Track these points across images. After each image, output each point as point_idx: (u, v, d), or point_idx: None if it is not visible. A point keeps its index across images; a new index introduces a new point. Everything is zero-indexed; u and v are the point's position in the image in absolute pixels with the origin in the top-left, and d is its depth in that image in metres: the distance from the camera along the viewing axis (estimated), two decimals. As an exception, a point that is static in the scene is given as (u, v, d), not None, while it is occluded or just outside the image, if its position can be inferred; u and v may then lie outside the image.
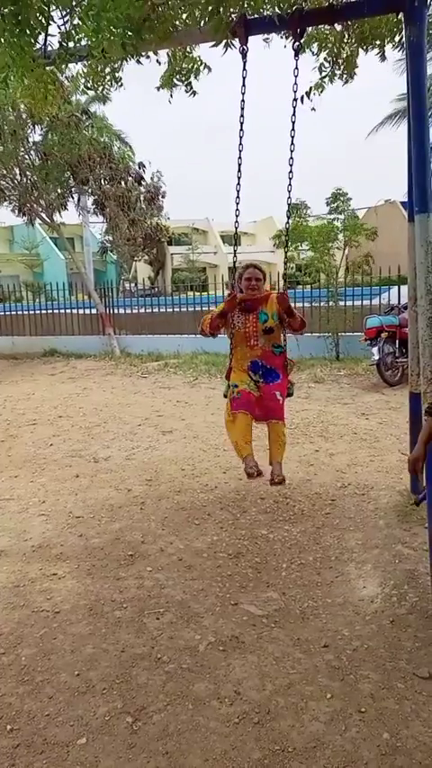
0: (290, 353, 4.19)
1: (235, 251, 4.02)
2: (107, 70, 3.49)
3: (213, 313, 4.08)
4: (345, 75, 4.01)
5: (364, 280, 13.71)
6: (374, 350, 8.75)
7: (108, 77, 3.54)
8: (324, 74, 3.95)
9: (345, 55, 3.92)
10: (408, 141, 3.62)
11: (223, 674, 2.68)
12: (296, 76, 3.47)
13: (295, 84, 3.47)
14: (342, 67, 3.95)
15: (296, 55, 3.45)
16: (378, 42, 3.83)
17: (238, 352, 4.09)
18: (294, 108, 3.55)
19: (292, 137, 3.65)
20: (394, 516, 4.25)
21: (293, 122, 3.61)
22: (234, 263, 4.13)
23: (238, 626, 3.04)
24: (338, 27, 3.84)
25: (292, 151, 3.69)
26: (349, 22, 3.74)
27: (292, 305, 3.98)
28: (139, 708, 2.50)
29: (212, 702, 2.51)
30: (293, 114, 3.57)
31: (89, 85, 3.65)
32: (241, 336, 4.02)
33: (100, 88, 3.62)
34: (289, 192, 3.82)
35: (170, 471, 5.48)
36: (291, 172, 3.75)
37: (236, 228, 3.90)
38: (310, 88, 3.77)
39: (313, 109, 3.83)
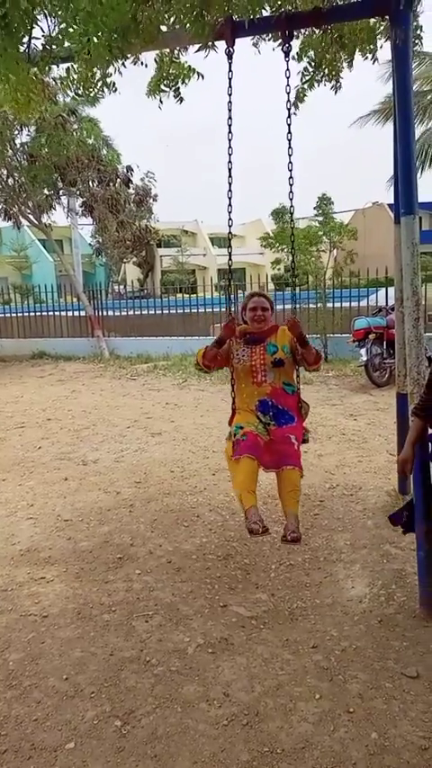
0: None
1: (230, 253, 3.61)
2: (98, 76, 3.48)
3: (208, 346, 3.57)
4: (328, 81, 4.01)
5: (352, 281, 13.77)
6: (362, 351, 8.80)
7: (99, 83, 3.53)
8: (306, 79, 3.96)
9: (326, 60, 3.93)
10: (394, 144, 3.65)
11: (212, 677, 2.68)
12: (288, 78, 3.46)
13: (287, 86, 3.45)
14: (323, 73, 3.96)
15: (286, 56, 3.45)
16: (351, 49, 3.85)
17: (243, 390, 3.51)
18: (289, 110, 3.49)
19: (289, 140, 3.46)
20: (382, 516, 4.26)
21: (289, 125, 3.48)
22: (230, 266, 3.67)
23: (227, 628, 3.04)
24: (318, 31, 3.85)
25: (290, 155, 3.48)
26: (329, 28, 3.75)
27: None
28: (128, 711, 2.50)
29: (201, 705, 2.51)
30: (288, 117, 3.48)
31: (80, 92, 3.63)
32: (246, 371, 3.47)
33: (91, 93, 3.60)
34: (291, 198, 3.59)
35: (159, 473, 5.47)
36: (291, 177, 3.53)
37: (229, 228, 3.55)
38: (296, 95, 3.77)
39: (295, 113, 3.82)
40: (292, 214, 3.77)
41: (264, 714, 2.43)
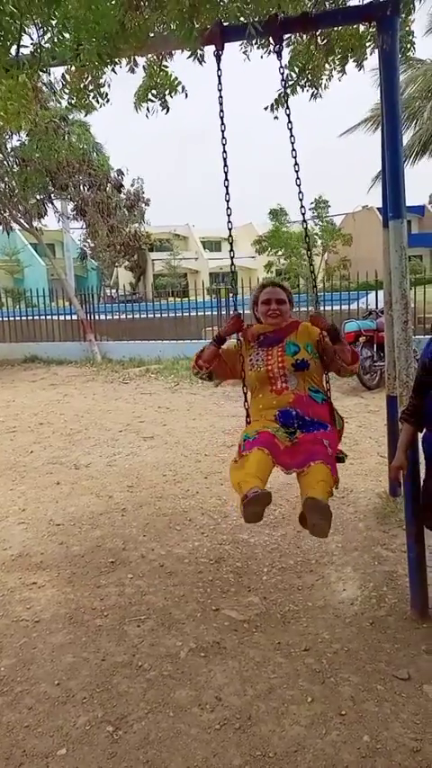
0: None
1: (231, 256, 3.26)
2: (90, 87, 3.48)
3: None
4: (311, 87, 4.04)
5: (343, 285, 13.84)
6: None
7: (93, 93, 3.53)
8: (290, 83, 3.98)
9: (309, 67, 3.95)
10: (381, 148, 3.68)
11: (204, 681, 2.68)
12: (284, 78, 3.44)
13: (283, 80, 3.43)
14: (306, 78, 3.98)
15: (279, 57, 3.46)
16: (341, 55, 3.88)
17: (259, 401, 2.89)
18: (288, 113, 3.43)
19: (293, 143, 3.17)
20: (374, 519, 4.28)
21: (290, 129, 3.26)
22: (232, 269, 3.33)
23: (220, 631, 3.04)
24: (305, 38, 3.88)
25: (295, 159, 3.18)
26: (317, 34, 3.78)
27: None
28: (120, 716, 2.49)
29: (193, 709, 2.51)
30: (288, 120, 3.35)
31: (73, 102, 3.63)
32: (262, 379, 2.85)
33: (85, 102, 3.60)
34: (300, 199, 3.27)
35: (151, 477, 5.46)
36: (298, 178, 3.23)
37: (229, 230, 3.20)
38: (276, 100, 3.79)
39: (276, 117, 3.80)
40: (303, 215, 3.40)
41: (256, 718, 2.44)
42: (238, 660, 2.81)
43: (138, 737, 2.37)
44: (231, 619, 3.15)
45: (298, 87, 4.01)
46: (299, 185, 3.24)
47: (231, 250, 3.26)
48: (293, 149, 3.20)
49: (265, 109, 3.81)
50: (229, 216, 3.20)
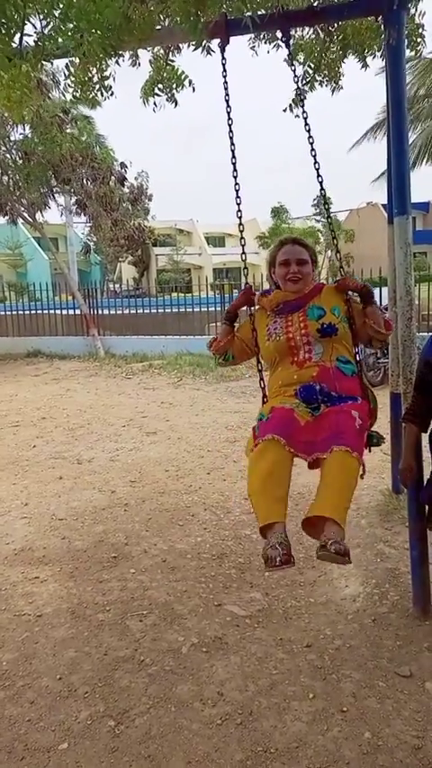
0: None
1: (242, 244, 2.93)
2: (95, 79, 3.46)
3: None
4: (329, 83, 4.01)
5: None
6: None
7: (97, 85, 3.51)
8: (307, 80, 3.96)
9: (326, 62, 3.93)
10: (387, 144, 3.65)
11: (206, 676, 2.68)
12: (293, 69, 3.36)
13: (294, 72, 3.36)
14: (324, 75, 3.96)
15: (287, 46, 3.41)
16: (359, 49, 3.85)
17: (278, 375, 2.50)
18: (303, 108, 3.24)
19: (311, 142, 2.97)
20: (376, 515, 4.28)
21: (308, 130, 3.03)
22: (243, 262, 3.08)
23: (222, 627, 3.05)
24: (321, 33, 3.85)
25: (313, 153, 2.96)
26: (331, 28, 3.75)
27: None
28: (122, 711, 2.49)
29: (195, 704, 2.51)
30: (303, 112, 3.11)
31: (77, 95, 3.61)
32: (282, 349, 2.46)
33: (89, 96, 3.58)
34: (323, 195, 3.08)
35: (154, 472, 5.46)
36: (319, 175, 2.98)
37: (239, 216, 2.90)
38: (293, 100, 3.76)
39: (298, 116, 3.76)
40: (328, 210, 3.29)
41: (257, 713, 2.44)
42: (240, 656, 2.81)
43: (139, 732, 2.37)
44: (233, 614, 3.15)
45: (315, 83, 3.98)
46: (320, 182, 3.00)
47: (242, 238, 2.96)
48: (312, 147, 2.96)
49: (284, 110, 3.80)
50: (238, 204, 2.93)
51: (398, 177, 3.24)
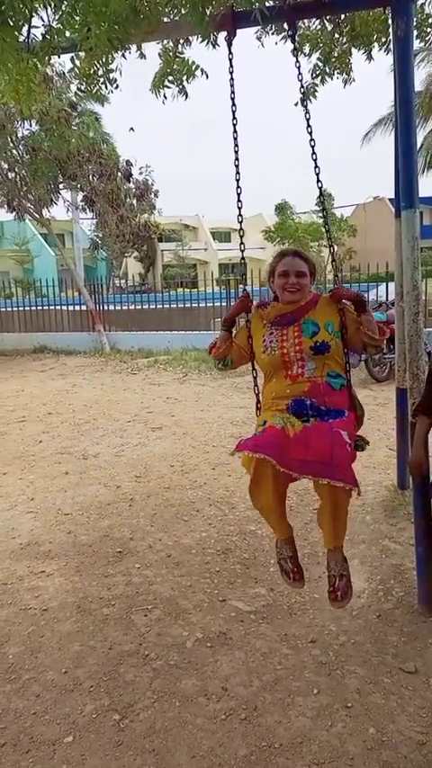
0: None
1: (242, 244, 3.01)
2: (100, 72, 3.45)
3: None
4: (339, 75, 3.98)
5: (353, 276, 13.74)
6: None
7: (102, 78, 3.50)
8: (317, 73, 3.93)
9: (336, 54, 3.90)
10: (395, 137, 3.63)
11: (210, 671, 2.68)
12: (297, 65, 3.34)
13: (299, 73, 3.34)
14: (334, 67, 3.93)
15: (293, 41, 3.39)
16: (367, 40, 3.82)
17: (272, 387, 2.60)
18: (305, 103, 3.22)
19: (311, 135, 2.89)
20: (381, 512, 4.26)
21: (307, 116, 3.04)
22: (242, 258, 3.12)
23: (226, 622, 3.05)
24: (329, 25, 3.82)
25: (313, 147, 2.91)
26: (339, 20, 3.72)
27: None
28: (127, 705, 2.50)
29: (199, 699, 2.51)
30: (306, 107, 3.18)
31: (83, 88, 3.60)
32: (277, 363, 2.56)
33: (94, 89, 3.57)
34: (320, 191, 2.98)
35: (159, 468, 5.47)
36: (316, 166, 2.94)
37: (239, 210, 2.99)
38: (304, 93, 3.74)
39: (307, 112, 3.71)
40: (324, 208, 3.18)
41: (262, 709, 2.44)
42: (245, 651, 2.81)
43: (144, 726, 2.38)
44: (238, 609, 3.16)
45: (326, 76, 3.95)
46: (317, 173, 2.95)
47: (242, 243, 3.02)
48: (311, 138, 2.93)
49: (295, 105, 3.76)
50: (239, 195, 2.97)
51: (405, 170, 3.22)
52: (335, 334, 2.56)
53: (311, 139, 2.91)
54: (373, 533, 3.95)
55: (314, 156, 2.91)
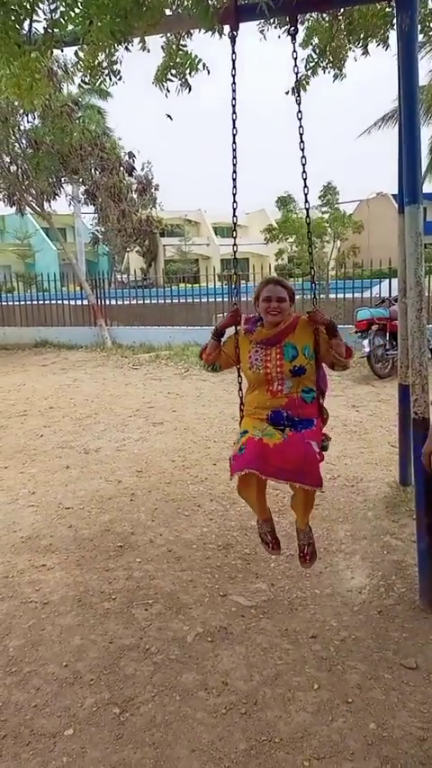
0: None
1: (235, 241, 3.29)
2: (105, 64, 3.43)
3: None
4: (332, 69, 3.96)
5: (356, 272, 13.71)
6: (365, 342, 8.77)
7: (106, 70, 3.48)
8: (310, 65, 3.90)
9: (331, 48, 3.87)
10: (399, 132, 3.60)
11: (211, 665, 2.69)
12: (295, 59, 3.35)
13: (295, 65, 3.35)
14: (328, 60, 3.90)
15: (293, 40, 3.38)
16: (364, 35, 3.79)
17: (255, 397, 3.01)
18: (297, 93, 3.35)
19: (301, 133, 3.11)
20: (383, 508, 4.26)
21: (299, 112, 3.15)
22: (234, 254, 3.36)
23: (227, 617, 3.05)
24: (327, 17, 3.80)
25: (302, 145, 3.10)
26: (338, 13, 3.70)
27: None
28: (127, 699, 2.51)
29: (200, 693, 2.52)
30: (298, 104, 3.33)
31: (86, 80, 3.58)
32: (261, 380, 2.95)
33: (98, 82, 3.55)
34: (304, 179, 3.14)
35: (160, 463, 5.47)
36: (304, 171, 3.12)
37: (234, 210, 3.16)
38: (296, 83, 3.72)
39: (298, 101, 3.71)
40: (308, 209, 3.32)
41: (262, 703, 2.44)
42: (245, 646, 2.81)
43: (144, 720, 2.38)
44: (239, 604, 3.16)
45: (319, 69, 3.93)
46: (304, 164, 3.10)
47: (234, 243, 3.26)
48: (301, 139, 3.10)
49: (286, 93, 3.75)
50: (234, 194, 3.17)
51: (409, 165, 3.20)
52: (310, 357, 2.94)
53: (300, 126, 3.08)
54: (374, 529, 3.95)
55: (302, 145, 3.08)
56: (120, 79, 3.48)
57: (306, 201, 3.27)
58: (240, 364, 3.07)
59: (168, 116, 3.41)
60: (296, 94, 3.32)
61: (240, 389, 3.16)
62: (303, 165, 3.09)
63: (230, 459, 2.85)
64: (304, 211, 3.48)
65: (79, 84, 3.66)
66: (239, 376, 3.12)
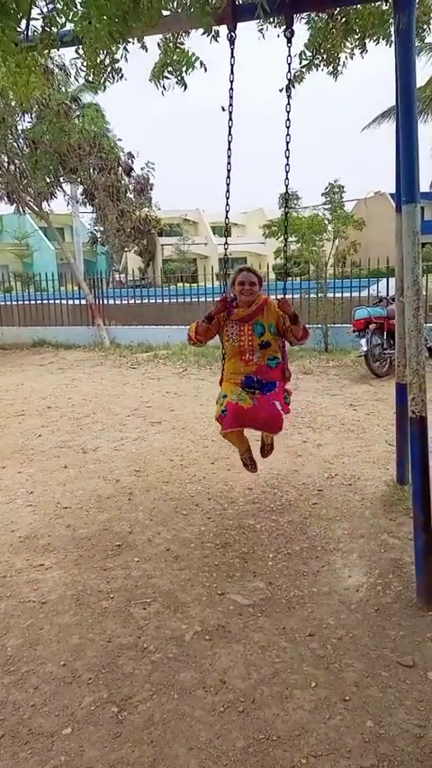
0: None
1: (226, 241, 3.91)
2: (107, 61, 3.43)
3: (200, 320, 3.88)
4: (326, 65, 3.96)
5: (354, 271, 13.72)
6: (363, 341, 8.78)
7: (108, 68, 3.48)
8: (305, 62, 3.91)
9: (326, 45, 3.88)
10: (396, 131, 3.61)
11: (209, 664, 2.69)
12: (289, 64, 3.42)
13: (288, 71, 3.42)
14: (322, 57, 3.91)
15: (288, 41, 3.40)
16: (359, 35, 3.79)
17: (232, 364, 3.86)
18: (288, 96, 3.47)
19: (288, 127, 3.52)
20: (380, 506, 4.27)
21: (288, 111, 3.49)
22: (225, 252, 4.05)
23: (225, 615, 3.05)
24: (323, 16, 3.80)
25: (287, 142, 3.54)
26: (334, 12, 3.70)
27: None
28: (125, 697, 2.51)
29: (198, 692, 2.52)
30: (288, 103, 3.48)
31: (89, 78, 3.58)
32: (235, 351, 3.81)
33: (101, 80, 3.55)
34: (286, 184, 3.72)
35: (158, 462, 5.47)
36: (287, 165, 3.62)
37: (226, 213, 3.81)
38: (289, 80, 3.73)
39: (289, 96, 3.74)
40: (287, 201, 4.01)
41: (260, 701, 2.45)
42: (243, 644, 2.82)
43: (142, 718, 2.39)
44: (236, 603, 3.16)
45: (313, 66, 3.93)
46: (287, 171, 3.62)
47: (226, 242, 3.91)
48: (288, 134, 3.52)
49: (280, 91, 3.75)
50: (227, 211, 3.78)
51: (407, 165, 3.20)
52: (275, 333, 3.78)
53: (287, 120, 3.50)
54: (371, 528, 3.95)
55: (287, 138, 3.52)
56: (121, 77, 3.48)
57: (286, 193, 3.82)
58: (222, 333, 3.88)
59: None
60: (287, 96, 3.45)
61: (223, 359, 3.99)
62: (287, 157, 3.57)
63: (218, 420, 3.72)
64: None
65: (84, 85, 3.69)
66: (223, 347, 3.91)
